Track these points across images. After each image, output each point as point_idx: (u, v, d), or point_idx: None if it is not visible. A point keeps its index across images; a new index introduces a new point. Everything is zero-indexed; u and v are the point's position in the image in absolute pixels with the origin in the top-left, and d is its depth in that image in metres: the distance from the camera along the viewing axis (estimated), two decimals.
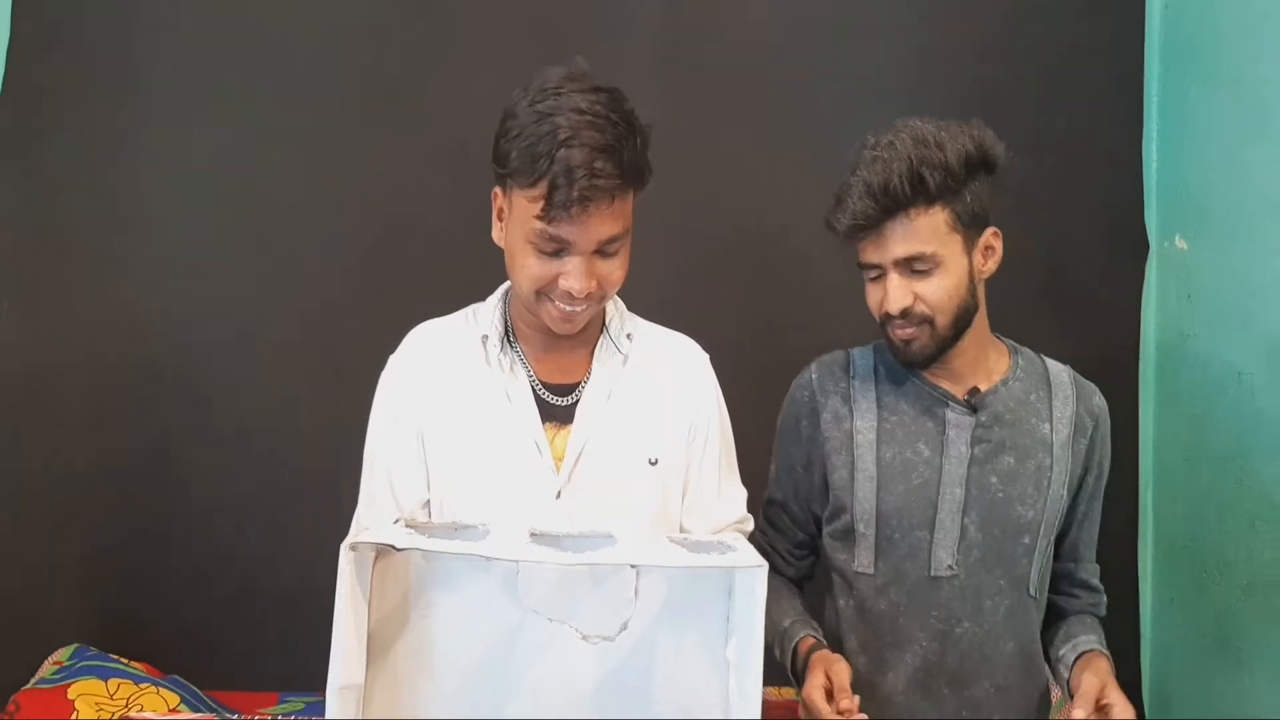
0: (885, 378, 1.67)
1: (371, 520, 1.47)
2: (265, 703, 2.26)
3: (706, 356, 1.60)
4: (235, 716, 2.12)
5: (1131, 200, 2.55)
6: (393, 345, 1.60)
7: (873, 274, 1.58)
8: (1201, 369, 2.38)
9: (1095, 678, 1.48)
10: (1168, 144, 2.54)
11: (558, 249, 1.37)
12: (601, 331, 1.54)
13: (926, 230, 1.54)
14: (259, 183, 2.35)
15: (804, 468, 1.69)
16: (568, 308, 1.40)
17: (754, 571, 0.99)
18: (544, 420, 1.47)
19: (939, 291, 1.55)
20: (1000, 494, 1.60)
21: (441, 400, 1.49)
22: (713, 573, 1.03)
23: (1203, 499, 2.34)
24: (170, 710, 1.95)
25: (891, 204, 1.52)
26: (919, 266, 1.54)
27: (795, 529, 1.71)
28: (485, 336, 1.51)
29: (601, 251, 1.39)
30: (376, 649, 1.05)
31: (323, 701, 2.10)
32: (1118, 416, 2.46)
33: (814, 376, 1.71)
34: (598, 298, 1.41)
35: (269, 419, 2.34)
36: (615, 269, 1.42)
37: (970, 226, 1.57)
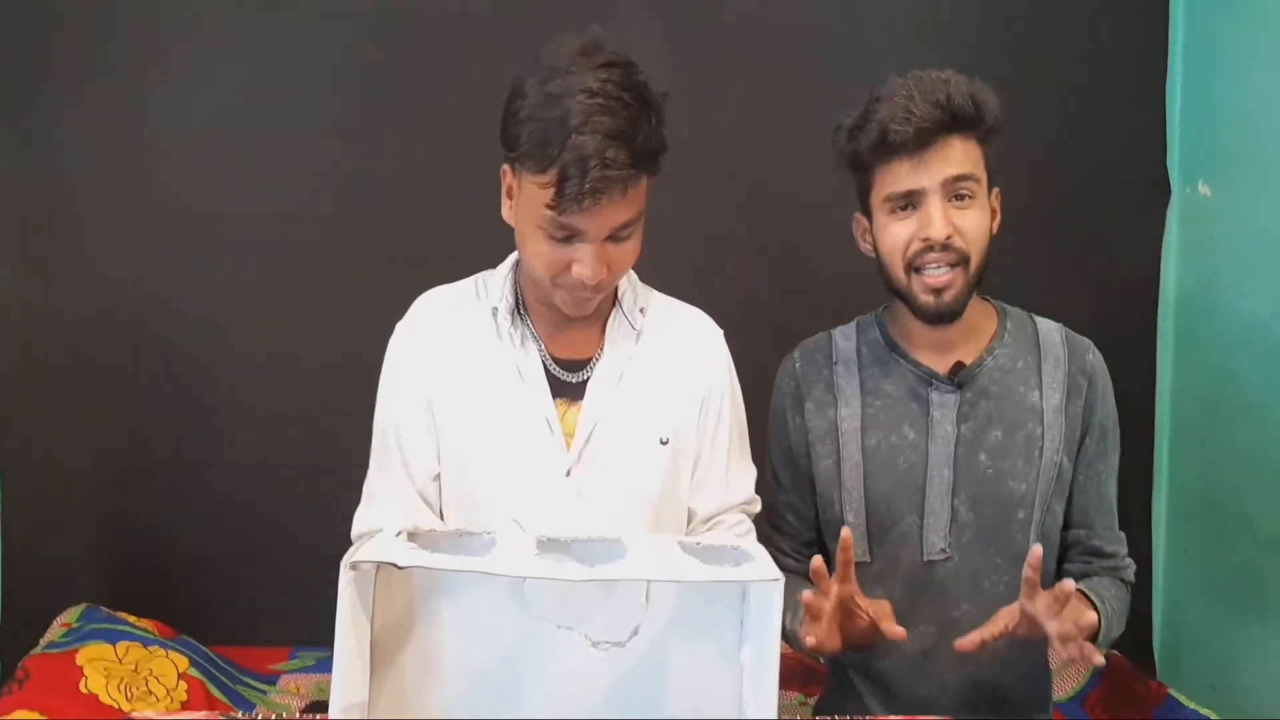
0: (869, 360, 1.64)
1: (382, 491, 1.49)
2: (276, 658, 2.29)
3: (720, 332, 1.57)
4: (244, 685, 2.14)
5: (1153, 144, 2.49)
6: (404, 307, 1.58)
7: (902, 205, 1.52)
8: (1223, 318, 2.34)
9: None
10: (1192, 86, 2.47)
11: (569, 236, 1.33)
12: (614, 306, 1.51)
13: (973, 156, 1.51)
14: (268, 147, 2.31)
15: (799, 456, 1.66)
16: (582, 293, 1.38)
17: (770, 585, 0.96)
18: (555, 396, 1.45)
19: (977, 226, 1.51)
20: (990, 470, 1.57)
21: (452, 371, 1.47)
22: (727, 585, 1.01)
23: (1222, 451, 2.32)
24: (180, 674, 1.95)
25: (950, 119, 1.47)
26: (963, 190, 1.50)
27: (800, 527, 1.68)
28: (495, 309, 1.48)
29: (614, 237, 1.35)
30: (381, 659, 1.03)
31: (332, 657, 2.12)
32: (1135, 365, 2.46)
33: (797, 365, 1.68)
34: (610, 282, 1.39)
35: (279, 377, 2.33)
36: (628, 253, 1.39)
37: (989, 175, 1.54)
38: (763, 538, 1.66)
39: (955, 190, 1.49)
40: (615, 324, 1.49)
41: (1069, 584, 1.32)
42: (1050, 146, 2.27)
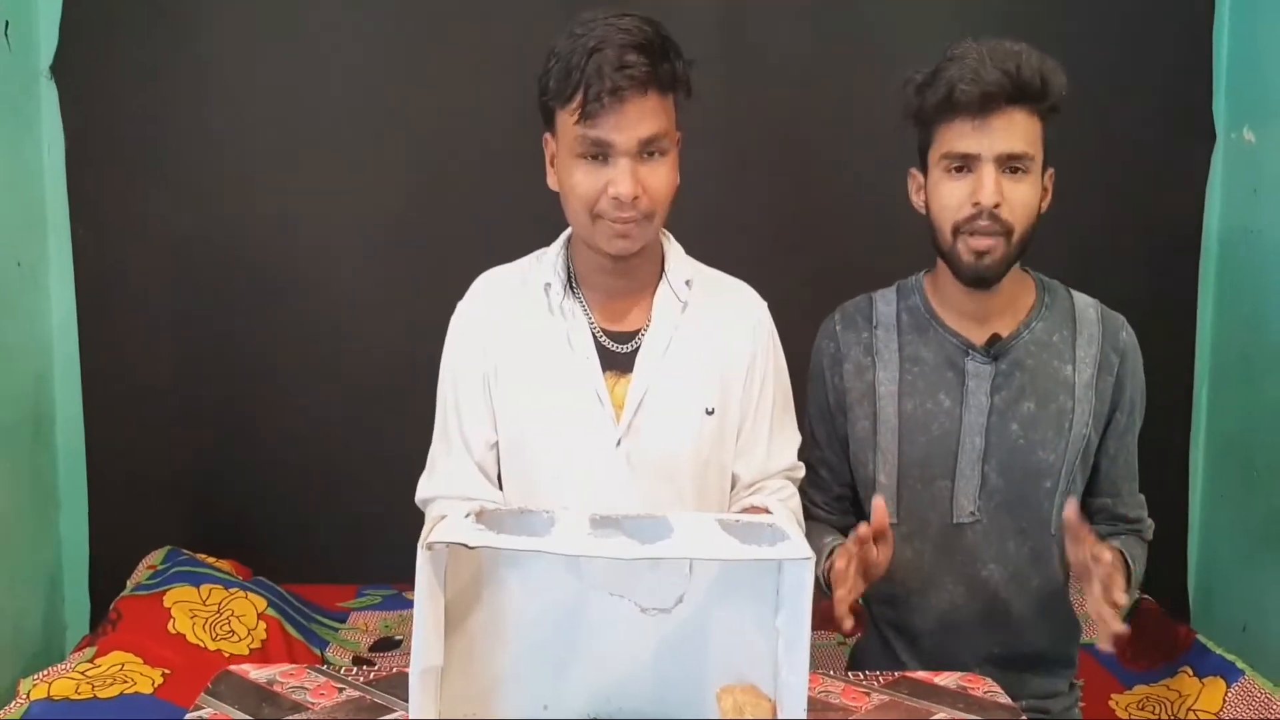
0: (908, 326, 1.68)
1: (443, 461, 1.59)
2: (344, 596, 2.42)
3: (764, 304, 1.63)
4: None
5: (1199, 89, 2.49)
6: (468, 264, 1.65)
7: (958, 166, 1.55)
8: (1264, 266, 2.35)
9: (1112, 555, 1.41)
10: (1239, 31, 2.45)
11: (600, 152, 1.41)
12: (661, 277, 1.57)
13: (1032, 132, 1.54)
14: (330, 96, 2.38)
15: (835, 414, 1.72)
16: (620, 216, 1.42)
17: (801, 564, 1.05)
18: (605, 369, 1.52)
19: (1027, 201, 1.54)
20: (1021, 440, 1.62)
21: (508, 345, 1.55)
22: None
23: (1257, 398, 2.36)
24: (259, 614, 2.08)
25: (1016, 89, 1.50)
26: (1017, 165, 1.53)
27: (833, 482, 1.75)
28: (548, 284, 1.55)
29: (645, 154, 1.42)
30: (452, 623, 1.14)
31: (398, 595, 2.25)
32: (1177, 312, 2.49)
33: (837, 327, 1.72)
34: (646, 209, 1.43)
35: (348, 330, 2.43)
36: (661, 177, 1.44)
37: (1045, 154, 1.57)
38: (799, 489, 1.75)
39: (1010, 164, 1.52)
40: (662, 296, 1.56)
41: (1105, 555, 1.37)
42: (1095, 92, 2.26)
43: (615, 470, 1.50)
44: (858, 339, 1.70)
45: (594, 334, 1.54)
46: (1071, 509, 1.41)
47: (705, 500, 1.55)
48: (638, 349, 1.53)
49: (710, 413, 1.53)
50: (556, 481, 1.51)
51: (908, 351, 1.67)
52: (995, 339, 1.63)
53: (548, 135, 1.50)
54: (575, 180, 1.43)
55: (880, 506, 1.43)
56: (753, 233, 2.36)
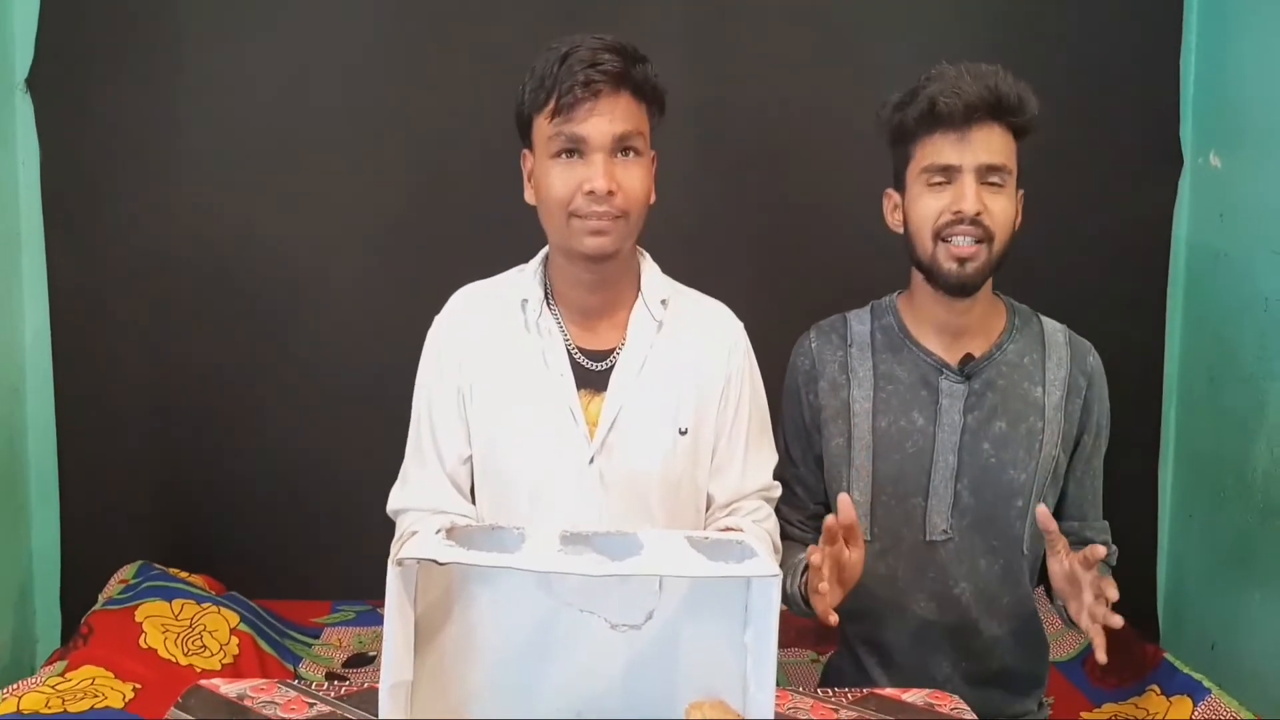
0: (882, 345, 1.70)
1: (416, 472, 1.60)
2: (318, 612, 2.41)
3: (741, 325, 1.64)
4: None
5: (1167, 113, 2.51)
6: (437, 278, 1.68)
7: (938, 179, 1.58)
8: (1231, 290, 2.38)
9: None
10: (1207, 57, 2.48)
11: (575, 148, 1.45)
12: (636, 296, 1.58)
13: (1009, 147, 1.59)
14: (311, 108, 2.38)
15: (810, 431, 1.74)
16: (595, 210, 1.45)
17: (769, 581, 1.06)
18: (579, 387, 1.53)
19: (1005, 211, 1.59)
20: (993, 459, 1.65)
21: (483, 360, 1.57)
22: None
23: (1224, 419, 2.38)
24: (231, 629, 2.08)
25: (996, 103, 1.55)
26: (995, 179, 1.57)
27: (808, 500, 1.76)
28: (525, 300, 1.56)
29: (620, 152, 1.46)
30: (422, 638, 1.15)
31: (372, 611, 2.24)
32: (1144, 333, 2.52)
33: (813, 345, 1.74)
34: (621, 206, 1.46)
35: (325, 345, 2.42)
36: (635, 177, 1.48)
37: (1018, 171, 1.61)
38: (775, 509, 1.77)
39: (988, 177, 1.57)
40: (638, 314, 1.57)
41: (1100, 550, 1.41)
42: (1063, 115, 2.29)
43: (588, 487, 1.51)
44: (833, 356, 1.73)
45: (569, 351, 1.55)
46: (1042, 511, 1.45)
47: (678, 519, 1.56)
48: (613, 367, 1.55)
49: (684, 432, 1.55)
50: (529, 497, 1.52)
51: (882, 370, 1.69)
52: (969, 359, 1.66)
53: (525, 151, 1.54)
54: (551, 180, 1.47)
55: (846, 501, 1.44)
56: (729, 249, 2.37)
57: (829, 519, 1.43)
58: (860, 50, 2.42)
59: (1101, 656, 1.42)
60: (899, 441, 1.67)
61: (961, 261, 1.58)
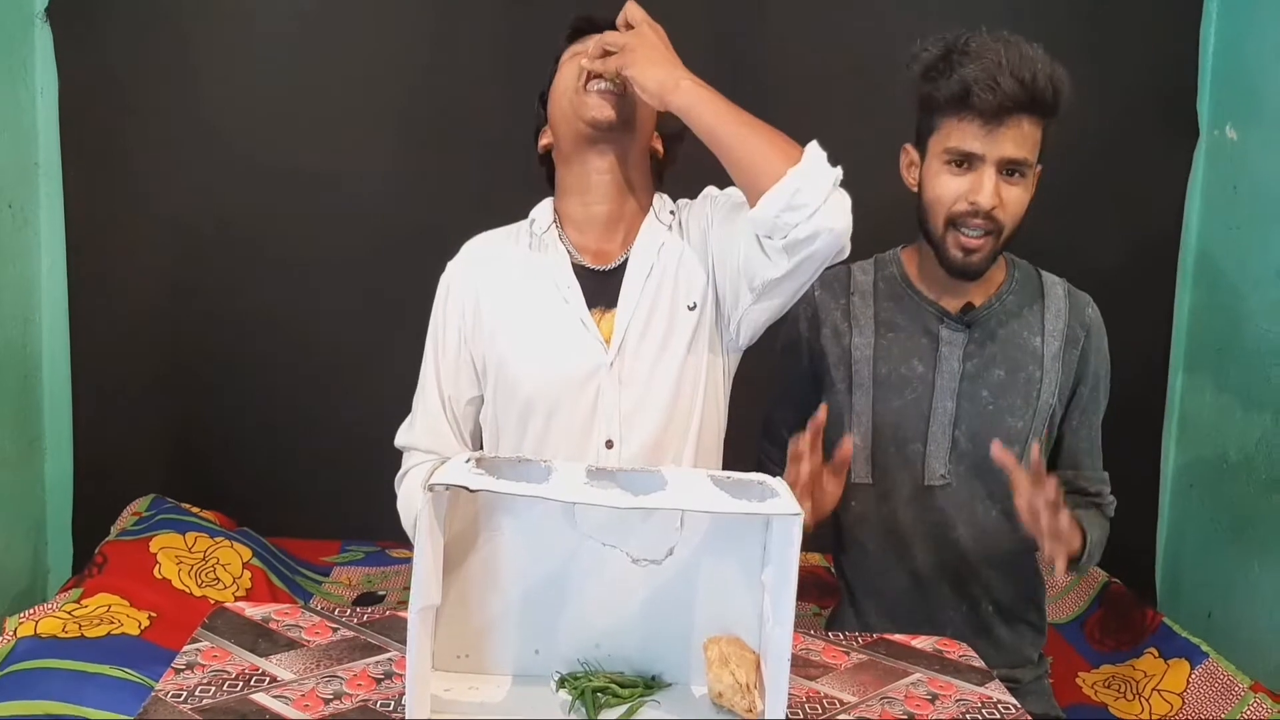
0: (884, 294, 1.73)
1: (422, 414, 1.63)
2: (328, 551, 2.45)
3: (713, 186, 1.64)
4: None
5: (1184, 86, 2.53)
6: (450, 219, 1.71)
7: (960, 163, 1.58)
8: (1242, 262, 2.40)
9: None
10: (1226, 30, 2.49)
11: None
12: (644, 214, 1.61)
13: (1034, 139, 1.58)
14: (328, 52, 2.40)
15: (806, 378, 1.76)
16: (598, 88, 1.50)
17: (790, 519, 1.08)
18: (590, 306, 1.56)
19: (1019, 204, 1.59)
20: (990, 406, 1.68)
21: (495, 289, 1.59)
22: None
23: (1230, 391, 2.41)
24: (244, 563, 2.11)
25: (1029, 99, 1.53)
26: (1015, 169, 1.57)
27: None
28: (533, 220, 1.61)
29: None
30: (450, 565, 1.17)
31: (380, 552, 2.27)
32: (1155, 303, 2.54)
33: (816, 293, 1.75)
34: (617, 64, 1.46)
35: (335, 286, 2.44)
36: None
37: (1040, 154, 1.61)
38: (759, 449, 1.82)
39: (1010, 169, 1.57)
40: (647, 225, 1.60)
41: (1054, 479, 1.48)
42: (1080, 86, 2.31)
43: (608, 388, 1.54)
44: (835, 304, 1.75)
45: (575, 269, 1.57)
46: (996, 446, 1.49)
47: (690, 405, 1.58)
48: (620, 283, 1.56)
49: (692, 308, 1.57)
50: (550, 410, 1.55)
51: (883, 318, 1.72)
52: (969, 307, 1.69)
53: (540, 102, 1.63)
54: (564, 73, 1.56)
55: (848, 444, 1.52)
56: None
57: (798, 440, 1.49)
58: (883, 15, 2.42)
59: (1061, 570, 1.52)
60: (899, 388, 1.69)
61: (968, 252, 1.60)
